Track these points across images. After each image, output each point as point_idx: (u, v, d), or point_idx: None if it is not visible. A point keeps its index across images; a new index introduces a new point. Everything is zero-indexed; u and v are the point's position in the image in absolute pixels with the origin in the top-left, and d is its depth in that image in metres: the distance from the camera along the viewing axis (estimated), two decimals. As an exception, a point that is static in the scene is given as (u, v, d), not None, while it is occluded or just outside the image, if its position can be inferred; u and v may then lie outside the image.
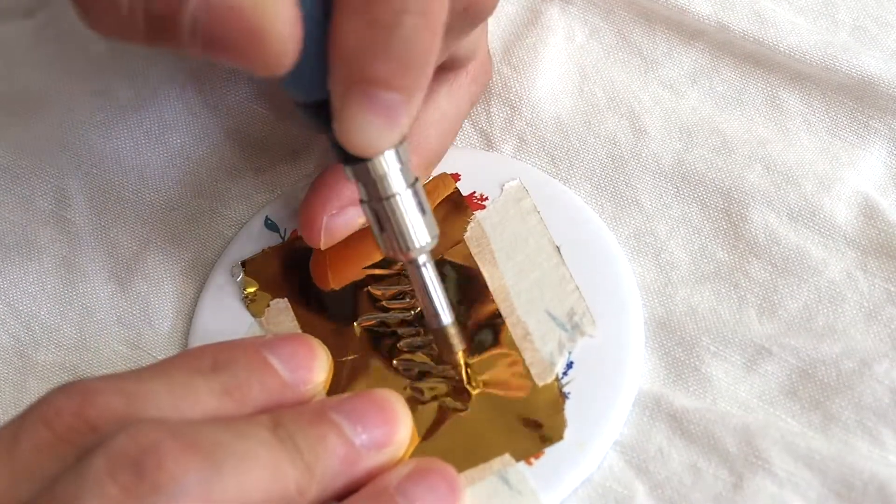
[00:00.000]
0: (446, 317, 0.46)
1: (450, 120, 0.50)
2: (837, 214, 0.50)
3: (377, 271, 0.50)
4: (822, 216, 0.50)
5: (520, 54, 0.54)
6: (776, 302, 0.48)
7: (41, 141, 0.55)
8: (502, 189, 0.51)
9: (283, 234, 0.51)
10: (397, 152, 0.43)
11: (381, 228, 0.44)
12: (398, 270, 0.50)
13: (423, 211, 0.44)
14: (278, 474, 0.40)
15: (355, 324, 0.49)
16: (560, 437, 0.45)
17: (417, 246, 0.44)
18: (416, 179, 0.44)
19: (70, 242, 0.53)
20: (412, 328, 0.48)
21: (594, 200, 0.51)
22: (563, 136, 0.53)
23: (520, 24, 0.55)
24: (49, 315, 0.52)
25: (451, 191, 0.51)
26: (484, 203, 0.51)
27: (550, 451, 0.45)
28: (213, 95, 0.55)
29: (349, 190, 0.48)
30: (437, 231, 0.45)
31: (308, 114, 0.42)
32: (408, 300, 0.49)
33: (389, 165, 0.43)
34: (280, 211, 0.52)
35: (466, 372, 0.47)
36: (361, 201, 0.44)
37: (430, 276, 0.45)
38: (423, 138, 0.49)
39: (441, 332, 0.46)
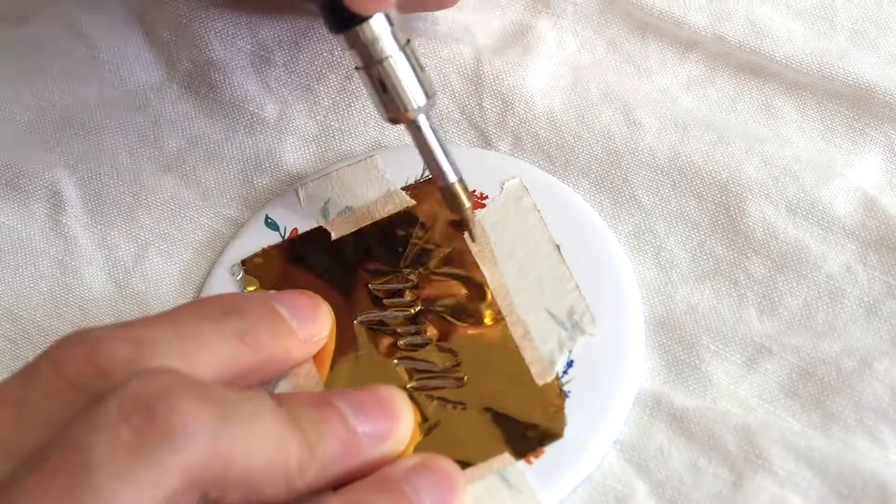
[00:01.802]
0: (452, 175, 0.47)
1: None
2: (836, 206, 0.50)
3: (377, 265, 0.50)
4: (820, 208, 0.50)
5: (511, 54, 0.54)
6: (776, 299, 0.48)
7: (35, 146, 0.55)
8: (502, 187, 0.51)
9: (283, 233, 0.51)
10: (387, 15, 0.44)
11: (382, 91, 0.45)
12: (399, 268, 0.50)
13: (419, 70, 0.45)
14: (282, 445, 0.40)
15: (355, 321, 0.49)
16: (560, 436, 0.45)
17: (416, 106, 0.45)
18: (409, 40, 0.45)
19: (66, 246, 0.53)
20: (412, 326, 0.48)
21: (593, 198, 0.51)
22: (557, 133, 0.53)
23: (510, 35, 0.55)
24: (46, 318, 0.51)
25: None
26: (484, 202, 0.51)
27: (550, 450, 0.45)
28: (210, 98, 0.55)
29: None
30: (434, 89, 0.46)
31: None
32: (408, 298, 0.49)
33: (381, 28, 0.44)
34: (280, 210, 0.52)
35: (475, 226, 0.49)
36: (357, 68, 0.45)
37: (431, 135, 0.46)
38: None
39: (448, 190, 0.47)
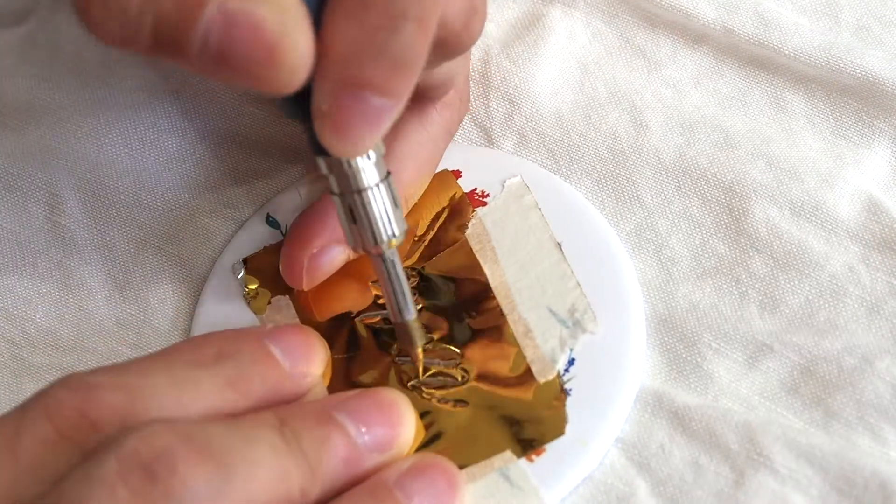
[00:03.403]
0: (409, 312, 0.46)
1: (425, 151, 0.50)
2: (840, 209, 0.50)
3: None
4: (824, 210, 0.50)
5: (519, 49, 0.55)
6: (777, 297, 0.48)
7: (34, 148, 0.55)
8: (503, 186, 0.51)
9: (284, 232, 0.51)
10: (374, 148, 0.43)
11: (353, 221, 0.44)
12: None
13: (394, 205, 0.44)
14: (283, 478, 0.40)
15: (357, 320, 0.49)
16: (561, 434, 0.45)
17: (386, 239, 0.44)
18: (389, 173, 0.44)
19: (65, 247, 0.53)
20: (413, 325, 0.49)
21: (595, 196, 0.51)
22: (564, 132, 0.53)
23: (520, 26, 0.55)
24: (45, 318, 0.51)
25: (453, 189, 0.51)
26: (485, 200, 0.51)
27: (552, 448, 0.45)
28: (208, 99, 0.55)
29: (330, 228, 0.48)
30: (406, 226, 0.45)
31: (286, 104, 0.42)
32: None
33: (363, 159, 0.43)
34: (281, 208, 0.52)
35: (424, 367, 0.48)
36: (332, 193, 0.44)
37: (396, 270, 0.45)
38: (399, 170, 0.49)
39: (404, 327, 0.47)
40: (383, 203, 0.44)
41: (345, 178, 0.44)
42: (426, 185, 0.51)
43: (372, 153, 0.43)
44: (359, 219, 0.44)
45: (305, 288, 0.49)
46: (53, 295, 0.52)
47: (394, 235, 0.44)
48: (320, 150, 0.43)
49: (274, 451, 0.40)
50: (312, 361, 0.44)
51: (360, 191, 0.44)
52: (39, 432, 0.39)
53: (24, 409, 0.40)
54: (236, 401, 0.42)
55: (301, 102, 0.41)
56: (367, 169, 0.43)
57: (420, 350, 0.47)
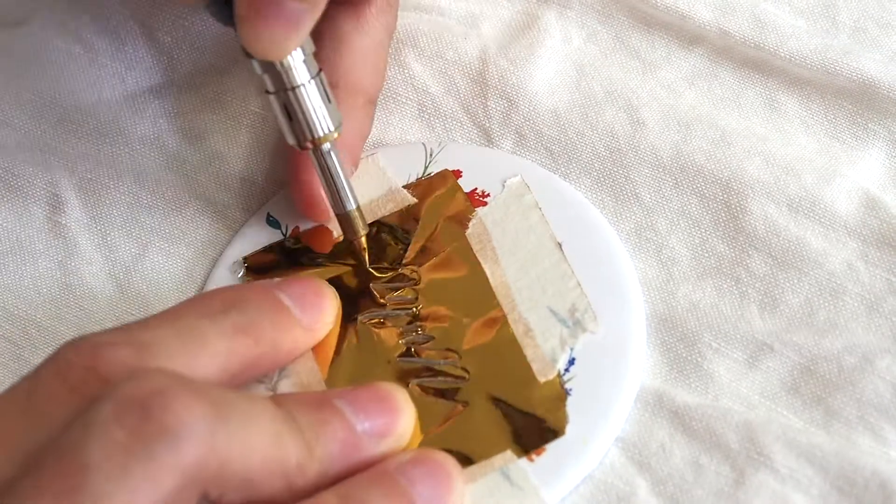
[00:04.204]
0: (350, 202, 0.48)
1: (374, 54, 0.52)
2: (838, 205, 0.50)
3: (379, 263, 0.50)
4: (822, 206, 0.50)
5: (516, 49, 0.55)
6: (777, 297, 0.48)
7: (34, 149, 0.55)
8: (504, 185, 0.51)
9: (284, 231, 0.51)
10: (302, 46, 0.45)
11: (289, 118, 0.47)
12: (401, 266, 0.50)
13: (327, 100, 0.47)
14: (279, 444, 0.40)
15: (357, 319, 0.49)
16: (562, 434, 0.45)
17: (322, 134, 0.47)
18: (320, 70, 0.46)
19: (66, 247, 0.53)
20: (414, 325, 0.48)
21: (594, 195, 0.51)
22: (561, 130, 0.53)
23: (516, 27, 0.55)
24: (46, 318, 0.51)
25: (453, 189, 0.51)
26: (485, 199, 0.51)
27: (552, 448, 0.45)
28: (210, 99, 0.55)
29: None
30: (340, 119, 0.47)
31: (215, 8, 0.44)
32: (409, 296, 0.49)
33: (294, 58, 0.45)
34: (281, 207, 0.52)
35: (368, 256, 0.49)
36: (267, 92, 0.46)
37: (334, 163, 0.47)
38: (353, 78, 0.51)
39: (345, 217, 0.48)
40: (317, 99, 0.46)
41: (277, 77, 0.46)
42: (383, 84, 0.53)
43: (301, 52, 0.45)
44: (294, 116, 0.47)
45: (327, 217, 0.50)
46: (54, 295, 0.52)
47: (329, 130, 0.47)
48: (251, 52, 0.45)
49: (270, 416, 0.40)
50: (324, 309, 0.45)
51: (293, 88, 0.46)
52: (51, 391, 0.40)
53: (35, 372, 0.40)
54: (247, 346, 0.42)
55: (229, 7, 0.43)
56: (297, 67, 0.46)
57: (363, 238, 0.49)
